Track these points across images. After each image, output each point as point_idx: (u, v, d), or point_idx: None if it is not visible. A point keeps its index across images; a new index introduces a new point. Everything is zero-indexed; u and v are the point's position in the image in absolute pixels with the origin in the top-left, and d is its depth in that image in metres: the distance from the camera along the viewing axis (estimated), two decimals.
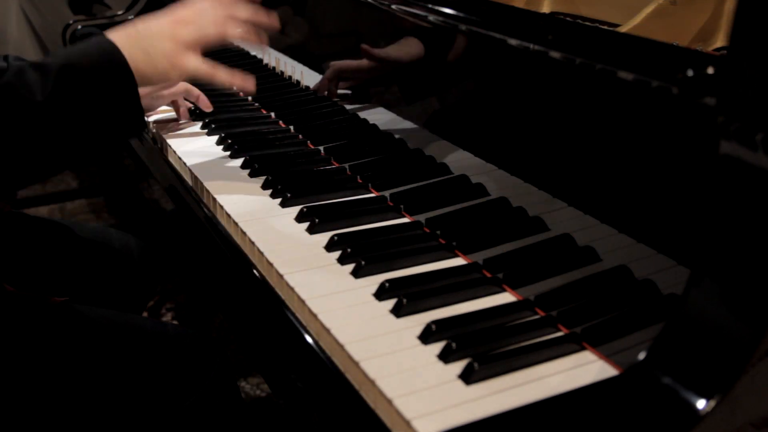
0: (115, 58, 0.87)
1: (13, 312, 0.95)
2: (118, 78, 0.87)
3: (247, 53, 1.67)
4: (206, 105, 1.28)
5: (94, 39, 0.90)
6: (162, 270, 1.86)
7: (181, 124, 1.28)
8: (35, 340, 0.93)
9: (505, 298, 0.77)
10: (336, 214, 0.92)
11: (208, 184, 1.02)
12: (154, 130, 1.26)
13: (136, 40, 0.90)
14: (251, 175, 1.06)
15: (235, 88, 1.00)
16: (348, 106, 1.27)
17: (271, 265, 0.83)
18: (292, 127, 1.24)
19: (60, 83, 0.83)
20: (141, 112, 0.91)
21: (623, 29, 0.92)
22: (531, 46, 0.85)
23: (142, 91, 0.93)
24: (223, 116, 1.29)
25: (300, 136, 1.20)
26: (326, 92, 1.30)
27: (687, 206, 0.71)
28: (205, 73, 0.94)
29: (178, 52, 0.92)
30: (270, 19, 1.00)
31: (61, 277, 1.19)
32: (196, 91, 1.27)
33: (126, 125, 0.91)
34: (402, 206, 0.95)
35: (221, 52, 1.71)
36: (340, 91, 1.34)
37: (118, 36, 0.89)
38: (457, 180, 1.00)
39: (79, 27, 1.77)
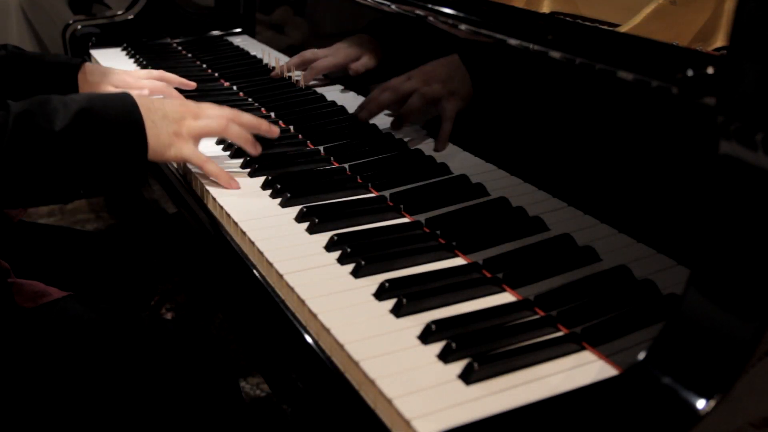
0: (133, 115, 0.94)
1: (13, 312, 0.95)
2: (131, 132, 0.93)
3: (247, 53, 1.67)
4: (188, 84, 1.39)
5: (117, 93, 0.98)
6: (162, 270, 1.86)
7: None
8: (35, 340, 0.93)
9: (505, 298, 0.77)
10: (336, 214, 0.92)
11: (208, 185, 1.02)
12: None
13: (150, 110, 0.97)
14: (251, 175, 1.06)
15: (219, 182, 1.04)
16: (348, 106, 1.27)
17: (270, 265, 0.83)
18: (292, 127, 1.24)
19: (78, 119, 0.90)
20: (145, 169, 0.96)
21: (623, 29, 0.92)
22: (531, 46, 0.85)
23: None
24: None
25: (300, 136, 1.20)
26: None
27: (687, 206, 0.71)
28: (197, 162, 1.01)
29: (180, 136, 0.99)
30: (270, 130, 1.07)
31: (63, 277, 1.19)
32: (174, 77, 1.38)
33: (129, 176, 0.96)
34: (402, 206, 0.95)
35: (222, 51, 1.71)
36: (340, 92, 1.34)
37: (137, 99, 0.96)
38: (457, 180, 1.00)
39: (79, 27, 1.77)
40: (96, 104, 0.93)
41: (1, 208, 0.98)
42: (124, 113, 0.94)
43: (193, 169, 1.06)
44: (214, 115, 1.03)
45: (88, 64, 1.28)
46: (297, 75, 1.42)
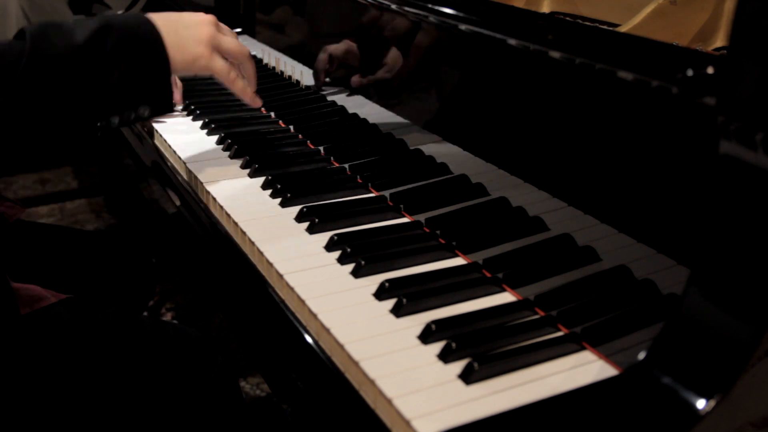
0: (152, 34, 0.91)
1: (14, 312, 0.95)
2: (150, 51, 0.90)
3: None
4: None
5: (132, 13, 0.96)
6: (162, 270, 1.86)
7: (181, 123, 1.28)
8: (32, 346, 0.93)
9: (505, 297, 0.77)
10: (336, 213, 0.92)
11: (207, 184, 1.02)
12: (154, 130, 1.26)
13: (169, 21, 0.93)
14: (251, 175, 1.06)
15: (243, 99, 1.05)
16: (348, 106, 1.27)
17: (270, 264, 0.83)
18: (292, 127, 1.24)
19: (99, 33, 0.86)
20: (169, 87, 0.93)
21: (623, 29, 0.92)
22: (531, 46, 0.85)
23: None
24: (222, 116, 1.29)
25: (300, 136, 1.20)
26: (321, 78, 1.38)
27: (687, 206, 0.71)
28: (226, 77, 0.99)
29: (209, 46, 0.96)
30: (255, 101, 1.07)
31: (63, 277, 1.19)
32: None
33: (153, 97, 0.92)
34: (402, 206, 0.95)
35: None
36: (340, 93, 1.34)
37: (156, 17, 0.93)
38: (457, 180, 1.00)
39: None
40: (114, 20, 0.89)
41: (20, 144, 0.90)
42: (141, 24, 0.91)
43: (193, 169, 1.06)
44: (236, 42, 1.01)
45: None
46: (297, 74, 1.42)
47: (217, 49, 0.98)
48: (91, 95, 0.87)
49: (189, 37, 0.94)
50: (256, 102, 1.05)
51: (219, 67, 0.97)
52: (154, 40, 0.91)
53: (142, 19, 0.92)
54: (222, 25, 1.02)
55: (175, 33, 0.93)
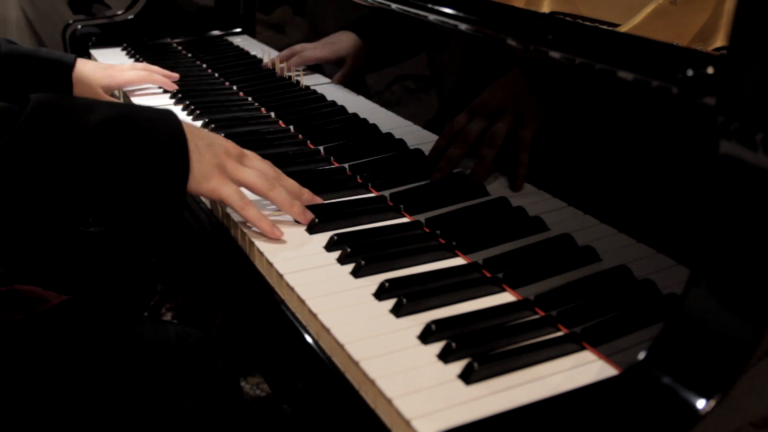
0: (177, 132, 0.82)
1: (15, 312, 0.95)
2: (173, 150, 0.81)
3: (247, 53, 1.67)
4: (171, 75, 1.43)
5: (160, 109, 0.85)
6: (162, 270, 1.86)
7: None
8: (36, 340, 0.93)
9: (505, 297, 0.77)
10: (336, 213, 0.92)
11: None
12: None
13: (194, 134, 0.85)
14: None
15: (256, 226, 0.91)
16: (348, 106, 1.27)
17: (270, 264, 0.83)
18: (292, 127, 1.24)
19: (113, 121, 0.77)
20: (183, 196, 0.83)
21: (623, 29, 0.92)
22: (531, 46, 0.85)
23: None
24: (223, 116, 1.29)
25: (300, 136, 1.20)
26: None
27: (687, 206, 0.71)
28: (237, 206, 0.87)
29: (223, 172, 0.87)
30: (312, 199, 0.95)
31: (64, 278, 1.19)
32: (157, 68, 1.42)
33: (161, 203, 0.82)
34: (402, 206, 0.95)
35: (222, 51, 1.71)
36: (340, 92, 1.34)
37: (183, 123, 0.85)
38: (457, 179, 1.00)
39: (79, 27, 1.77)
40: (137, 111, 0.81)
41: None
42: (166, 126, 0.81)
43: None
44: (260, 168, 0.90)
45: (80, 60, 1.31)
46: (297, 74, 1.42)
47: (233, 179, 0.88)
48: (84, 191, 0.75)
49: (207, 153, 0.85)
50: (276, 233, 0.87)
51: (227, 193, 0.86)
52: (177, 142, 0.81)
53: (169, 117, 0.83)
54: (248, 153, 0.92)
55: (196, 146, 0.83)
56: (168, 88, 1.43)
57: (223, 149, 0.88)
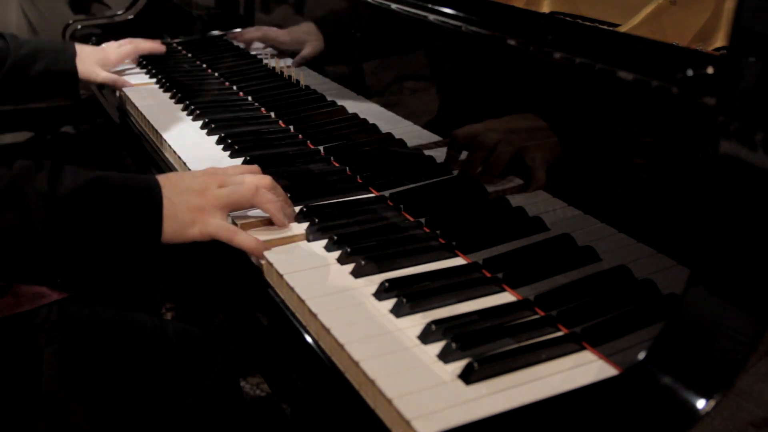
0: (151, 201, 0.83)
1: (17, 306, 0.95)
2: (142, 219, 0.82)
3: (247, 53, 1.67)
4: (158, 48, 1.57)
5: (142, 177, 0.86)
6: (162, 270, 1.86)
7: (181, 122, 1.28)
8: (37, 339, 0.93)
9: (505, 297, 0.77)
10: (336, 214, 0.92)
11: None
12: (156, 129, 1.26)
13: (167, 186, 0.85)
14: None
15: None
16: (348, 106, 1.27)
17: (270, 264, 0.83)
18: (292, 127, 1.24)
19: (90, 185, 0.80)
20: (156, 253, 0.84)
21: (623, 29, 0.92)
22: (531, 46, 0.85)
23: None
24: (223, 116, 1.29)
25: (300, 136, 1.20)
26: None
27: (687, 206, 0.71)
28: (225, 237, 0.86)
29: (204, 211, 0.86)
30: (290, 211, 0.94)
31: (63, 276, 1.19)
32: (144, 44, 1.55)
33: (130, 262, 0.85)
34: (402, 206, 0.95)
35: (222, 51, 1.71)
36: (340, 93, 1.34)
37: (163, 179, 0.86)
38: (457, 179, 1.00)
39: (79, 27, 1.77)
40: (112, 179, 0.82)
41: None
42: (141, 188, 0.83)
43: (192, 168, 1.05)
44: (241, 181, 0.90)
45: (78, 47, 1.43)
46: (297, 74, 1.42)
47: (219, 207, 0.87)
48: (53, 252, 0.77)
49: (184, 202, 0.85)
50: (259, 251, 0.86)
51: (214, 230, 0.85)
52: (151, 206, 0.82)
53: (149, 184, 0.84)
54: (228, 170, 0.93)
55: (169, 200, 0.84)
56: (157, 52, 1.60)
57: (200, 186, 0.87)
